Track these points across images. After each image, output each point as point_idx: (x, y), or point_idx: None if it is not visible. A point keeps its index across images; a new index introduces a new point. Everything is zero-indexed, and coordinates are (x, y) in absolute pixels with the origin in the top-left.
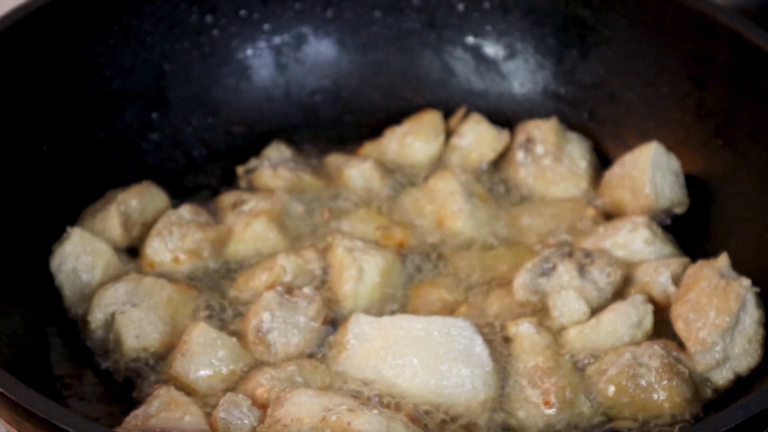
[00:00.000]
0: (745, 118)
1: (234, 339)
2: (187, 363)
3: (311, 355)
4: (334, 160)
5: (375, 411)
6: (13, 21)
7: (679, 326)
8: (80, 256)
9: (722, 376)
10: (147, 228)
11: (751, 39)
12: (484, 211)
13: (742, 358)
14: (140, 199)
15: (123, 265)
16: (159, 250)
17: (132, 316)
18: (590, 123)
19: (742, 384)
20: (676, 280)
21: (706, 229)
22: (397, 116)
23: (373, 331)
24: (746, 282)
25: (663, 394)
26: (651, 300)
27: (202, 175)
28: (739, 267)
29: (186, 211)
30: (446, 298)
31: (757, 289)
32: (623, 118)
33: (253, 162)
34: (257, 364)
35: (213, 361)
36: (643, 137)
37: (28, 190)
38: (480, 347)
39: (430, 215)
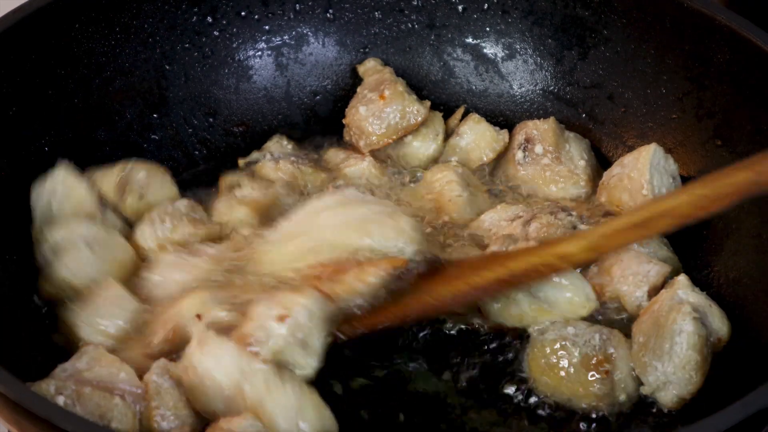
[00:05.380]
0: (744, 119)
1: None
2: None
3: None
4: (333, 156)
5: (288, 386)
6: (14, 21)
7: (633, 347)
8: (58, 188)
9: (668, 399)
10: (141, 205)
11: (751, 39)
12: (481, 200)
13: (682, 383)
14: (150, 175)
15: (99, 213)
16: (148, 235)
17: (81, 253)
18: (589, 123)
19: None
20: (654, 292)
21: (705, 228)
22: None
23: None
24: (686, 308)
25: (577, 383)
26: (624, 310)
27: (203, 175)
28: (738, 268)
29: (183, 204)
30: None
31: (696, 315)
32: (622, 118)
33: (254, 155)
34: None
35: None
36: (642, 137)
37: (29, 191)
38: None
39: (429, 203)
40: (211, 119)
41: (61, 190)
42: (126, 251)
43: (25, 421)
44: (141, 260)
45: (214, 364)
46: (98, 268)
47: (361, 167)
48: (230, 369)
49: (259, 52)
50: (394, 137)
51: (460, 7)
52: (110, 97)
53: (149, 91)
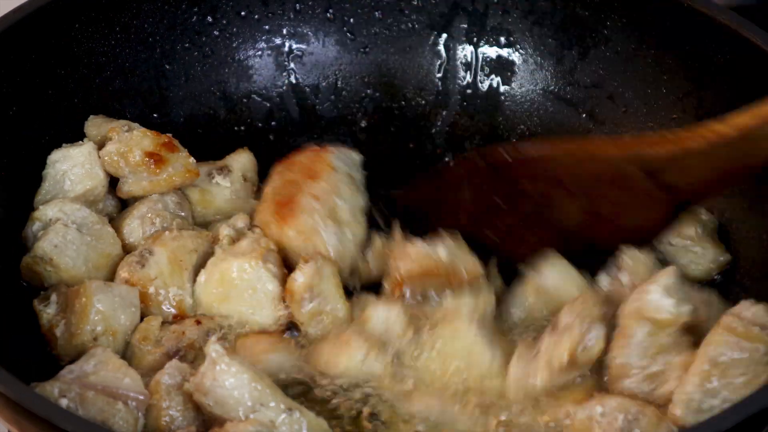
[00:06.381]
0: None
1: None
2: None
3: None
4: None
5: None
6: (14, 21)
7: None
8: (77, 168)
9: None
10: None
11: (751, 38)
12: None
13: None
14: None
15: (103, 201)
16: (135, 233)
17: (69, 233)
18: (589, 123)
19: None
20: None
21: None
22: (397, 116)
23: None
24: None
25: None
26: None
27: None
28: (739, 268)
29: (171, 200)
30: None
31: None
32: (622, 118)
33: None
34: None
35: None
36: None
37: (29, 191)
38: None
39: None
40: (211, 119)
41: (80, 171)
42: (114, 245)
43: (25, 421)
44: (125, 252)
45: (227, 385)
46: (83, 253)
47: (388, 315)
48: (242, 391)
49: (259, 52)
50: None
51: (460, 8)
52: (110, 97)
53: (149, 91)
